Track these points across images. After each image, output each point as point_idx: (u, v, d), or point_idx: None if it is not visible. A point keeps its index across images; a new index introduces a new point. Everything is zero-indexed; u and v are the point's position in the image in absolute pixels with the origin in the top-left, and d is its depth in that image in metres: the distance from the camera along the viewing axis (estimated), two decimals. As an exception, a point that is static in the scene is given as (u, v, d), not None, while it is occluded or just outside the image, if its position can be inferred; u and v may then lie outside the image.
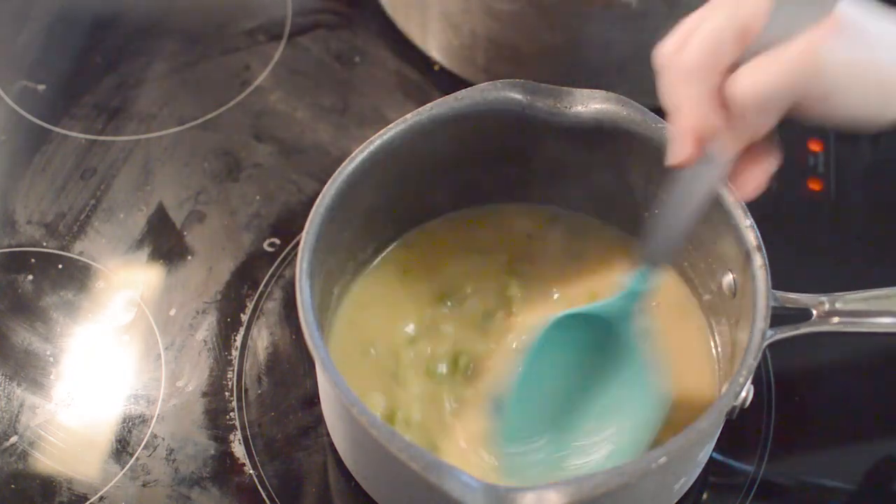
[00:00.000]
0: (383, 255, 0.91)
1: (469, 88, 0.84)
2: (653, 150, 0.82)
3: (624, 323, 0.80)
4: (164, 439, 0.88)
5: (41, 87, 1.06)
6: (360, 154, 0.82)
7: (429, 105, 0.83)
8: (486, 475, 0.80)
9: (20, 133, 1.03)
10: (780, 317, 0.78)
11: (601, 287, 0.88)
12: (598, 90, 0.84)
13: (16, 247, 0.97)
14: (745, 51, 0.71)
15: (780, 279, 0.78)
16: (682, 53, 0.73)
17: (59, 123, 1.04)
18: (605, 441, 0.81)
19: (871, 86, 0.73)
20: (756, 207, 0.79)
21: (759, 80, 0.70)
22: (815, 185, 1.02)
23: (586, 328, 0.81)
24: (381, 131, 0.82)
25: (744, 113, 0.71)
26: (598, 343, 0.81)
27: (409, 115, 0.83)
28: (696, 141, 0.74)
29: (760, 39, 0.71)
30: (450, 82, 1.06)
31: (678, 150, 0.75)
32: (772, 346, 0.79)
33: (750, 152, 0.75)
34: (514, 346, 0.87)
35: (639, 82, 1.02)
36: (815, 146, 1.04)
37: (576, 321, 0.81)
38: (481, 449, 0.82)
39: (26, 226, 0.98)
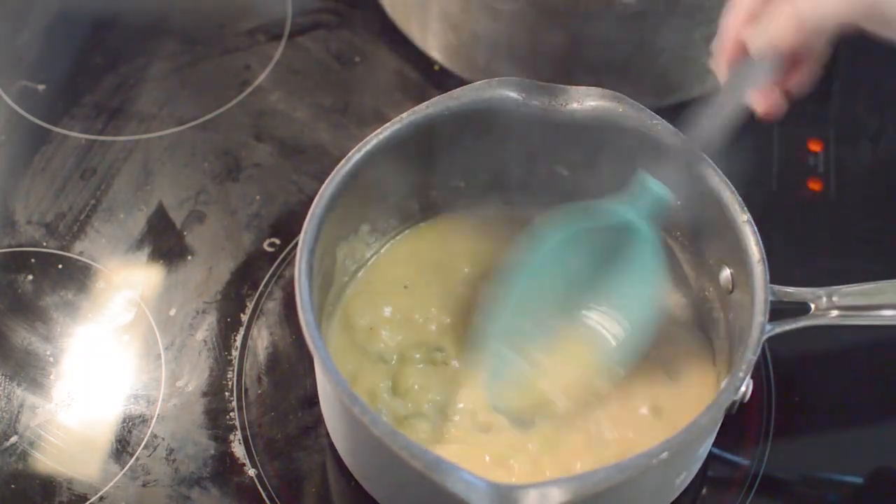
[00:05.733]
0: (382, 252, 0.91)
1: (464, 87, 0.84)
2: (649, 147, 0.82)
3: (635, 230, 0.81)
4: (164, 439, 0.88)
5: (41, 87, 1.06)
6: (356, 153, 0.82)
7: (424, 104, 0.83)
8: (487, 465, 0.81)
9: (20, 133, 1.03)
10: (778, 311, 0.78)
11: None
12: (593, 87, 0.84)
13: (16, 247, 0.97)
14: None
15: (778, 275, 0.78)
16: None
17: (59, 123, 1.04)
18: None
19: None
20: (756, 207, 0.80)
21: (815, 9, 0.72)
22: (815, 185, 1.02)
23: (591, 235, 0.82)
24: (377, 130, 0.82)
25: (796, 32, 0.73)
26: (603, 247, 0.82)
27: (404, 115, 0.83)
28: (737, 41, 0.76)
29: None
30: (450, 82, 1.05)
31: (722, 47, 0.77)
32: (770, 340, 0.79)
33: (791, 68, 0.76)
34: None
35: (639, 82, 1.02)
36: (815, 146, 1.04)
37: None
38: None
39: (26, 226, 0.98)
